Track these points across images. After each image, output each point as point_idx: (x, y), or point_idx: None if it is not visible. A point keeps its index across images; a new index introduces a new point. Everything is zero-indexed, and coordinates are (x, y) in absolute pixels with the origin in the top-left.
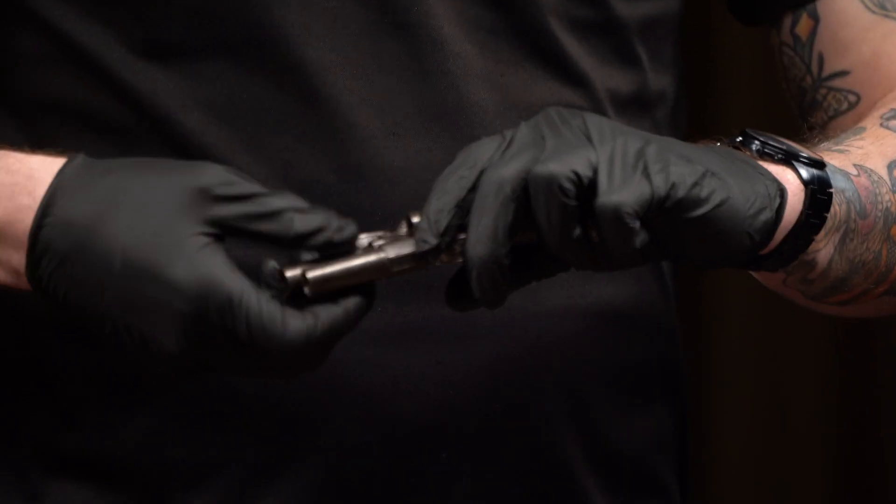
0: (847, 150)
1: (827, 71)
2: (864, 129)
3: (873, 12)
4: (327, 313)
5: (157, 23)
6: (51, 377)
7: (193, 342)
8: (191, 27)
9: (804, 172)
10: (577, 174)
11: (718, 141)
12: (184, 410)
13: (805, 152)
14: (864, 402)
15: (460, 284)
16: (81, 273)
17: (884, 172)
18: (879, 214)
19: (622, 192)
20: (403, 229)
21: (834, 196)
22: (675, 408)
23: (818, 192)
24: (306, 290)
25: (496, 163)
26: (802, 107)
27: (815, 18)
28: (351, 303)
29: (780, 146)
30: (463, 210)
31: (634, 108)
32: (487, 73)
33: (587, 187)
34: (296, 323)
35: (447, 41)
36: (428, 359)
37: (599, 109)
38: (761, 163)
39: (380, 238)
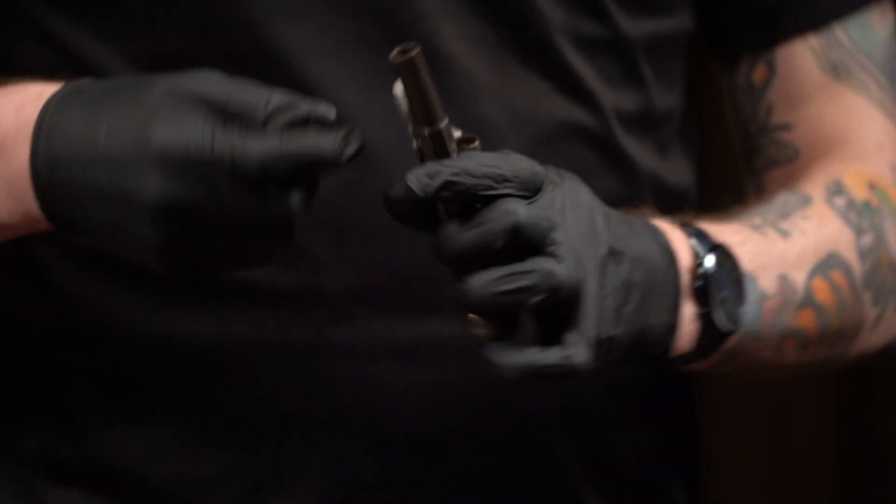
0: (789, 236)
1: (773, 122)
2: (811, 200)
3: (825, 73)
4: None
5: (161, 37)
6: (55, 388)
7: (173, 180)
8: (194, 42)
9: (718, 320)
10: (516, 227)
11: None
12: (187, 424)
13: (730, 303)
14: (863, 404)
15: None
16: (69, 151)
17: (803, 279)
18: (774, 335)
19: (582, 354)
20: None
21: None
22: (681, 419)
23: (717, 341)
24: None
25: (514, 208)
26: (746, 148)
27: (772, 70)
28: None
29: (716, 294)
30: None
31: (641, 126)
32: (494, 89)
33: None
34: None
35: (453, 57)
36: (428, 374)
37: (607, 127)
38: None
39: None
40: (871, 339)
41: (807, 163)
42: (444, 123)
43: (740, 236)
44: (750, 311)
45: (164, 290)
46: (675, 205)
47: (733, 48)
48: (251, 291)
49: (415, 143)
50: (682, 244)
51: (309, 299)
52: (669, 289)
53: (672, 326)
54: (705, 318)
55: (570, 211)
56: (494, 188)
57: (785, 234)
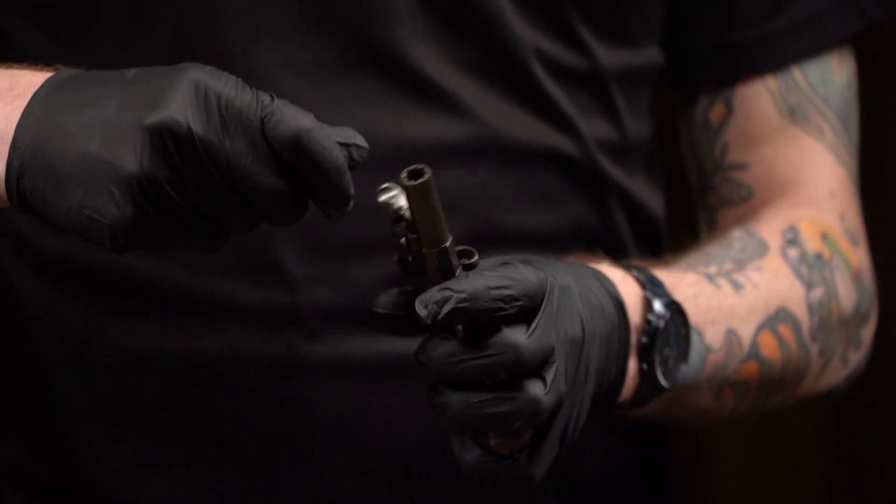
0: (741, 290)
1: (728, 160)
2: (767, 249)
3: (782, 116)
4: None
5: (135, 52)
6: (24, 403)
7: (156, 156)
8: (168, 58)
9: (658, 376)
10: (518, 360)
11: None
12: (159, 440)
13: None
14: (862, 406)
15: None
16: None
17: (750, 333)
18: (714, 385)
19: (540, 465)
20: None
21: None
22: (653, 435)
23: (654, 393)
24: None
25: (523, 342)
26: (700, 184)
27: (729, 109)
28: None
29: (661, 351)
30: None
31: (615, 152)
32: (472, 110)
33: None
34: None
35: (430, 79)
36: (402, 391)
37: (587, 153)
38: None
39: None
40: (815, 387)
41: (760, 204)
42: (449, 241)
43: (694, 289)
44: (692, 365)
45: (136, 306)
46: (649, 230)
47: (693, 84)
48: (225, 308)
49: (397, 255)
50: (634, 298)
51: (283, 316)
52: (621, 349)
53: (620, 383)
54: (645, 373)
55: (563, 316)
56: (504, 310)
57: (738, 287)
